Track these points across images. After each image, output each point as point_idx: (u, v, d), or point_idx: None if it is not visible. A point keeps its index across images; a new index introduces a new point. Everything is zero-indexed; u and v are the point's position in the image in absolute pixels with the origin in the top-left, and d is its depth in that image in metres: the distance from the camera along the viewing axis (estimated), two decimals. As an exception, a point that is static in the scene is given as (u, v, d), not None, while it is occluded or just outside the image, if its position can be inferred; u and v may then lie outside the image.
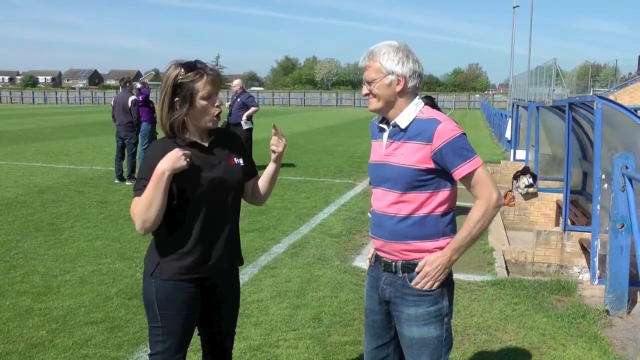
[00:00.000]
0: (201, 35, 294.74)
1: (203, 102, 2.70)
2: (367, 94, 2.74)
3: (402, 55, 2.65)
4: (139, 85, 13.06)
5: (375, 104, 2.72)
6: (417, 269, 2.68)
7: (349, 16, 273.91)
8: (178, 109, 2.68)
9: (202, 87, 2.68)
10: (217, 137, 2.85)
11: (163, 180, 2.61)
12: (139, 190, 2.68)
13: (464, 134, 2.65)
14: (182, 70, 2.67)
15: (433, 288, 2.67)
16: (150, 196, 2.62)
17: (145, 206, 2.62)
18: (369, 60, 2.69)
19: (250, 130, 13.56)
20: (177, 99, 2.68)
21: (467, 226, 2.63)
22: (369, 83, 2.69)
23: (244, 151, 2.98)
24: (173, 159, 2.61)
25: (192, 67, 2.69)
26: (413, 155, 2.62)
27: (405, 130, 2.67)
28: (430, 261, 2.65)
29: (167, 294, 2.77)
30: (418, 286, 2.68)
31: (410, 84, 2.68)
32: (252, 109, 13.53)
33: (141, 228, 2.68)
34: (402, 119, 2.68)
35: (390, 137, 2.73)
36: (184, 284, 2.78)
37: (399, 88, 2.66)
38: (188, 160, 2.65)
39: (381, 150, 2.77)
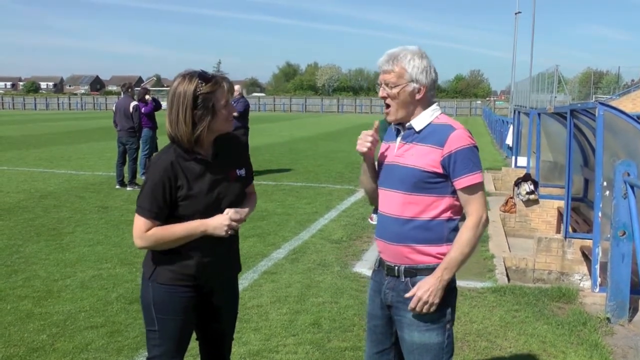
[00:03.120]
0: (202, 41, 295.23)
1: (224, 111, 2.73)
2: (384, 97, 2.73)
3: (427, 65, 2.67)
4: (147, 97, 13.08)
5: (394, 114, 2.72)
6: (408, 294, 2.67)
7: (350, 22, 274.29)
8: (199, 122, 2.68)
9: (222, 96, 2.71)
10: (221, 147, 2.85)
11: (198, 234, 2.71)
12: (148, 211, 2.69)
13: (477, 147, 2.66)
14: (200, 82, 2.66)
15: (431, 311, 2.66)
16: (177, 239, 2.71)
17: (166, 242, 2.71)
18: (392, 64, 2.67)
19: (247, 133, 13.36)
20: (196, 111, 2.66)
21: (458, 245, 2.63)
22: (389, 86, 2.68)
23: (246, 158, 2.99)
24: (217, 226, 2.70)
25: (209, 77, 2.69)
26: (423, 158, 2.63)
27: (419, 132, 2.69)
28: (422, 285, 2.64)
29: (164, 298, 2.78)
30: (416, 310, 2.66)
31: (429, 94, 2.70)
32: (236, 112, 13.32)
33: (142, 248, 2.77)
34: (418, 122, 2.70)
35: (403, 139, 2.75)
36: (181, 288, 2.79)
37: (419, 96, 2.68)
38: (230, 232, 2.72)
39: (393, 151, 2.78)
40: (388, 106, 2.74)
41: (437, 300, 2.63)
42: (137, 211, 2.72)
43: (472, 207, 2.64)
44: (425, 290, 2.63)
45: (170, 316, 2.80)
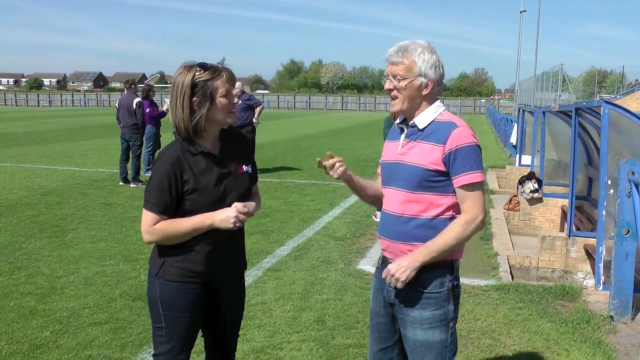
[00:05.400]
0: (206, 39, 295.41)
1: (223, 100, 2.72)
2: (390, 89, 2.70)
3: (436, 60, 2.65)
4: (151, 93, 13.07)
5: (399, 105, 2.69)
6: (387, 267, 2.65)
7: (354, 20, 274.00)
8: (198, 109, 2.69)
9: (221, 85, 2.71)
10: (227, 142, 2.86)
11: (205, 227, 2.71)
12: (155, 205, 2.70)
13: (479, 146, 2.63)
14: (199, 69, 2.68)
15: (398, 286, 2.62)
16: (184, 233, 2.71)
17: (173, 236, 2.72)
18: (401, 57, 2.64)
19: (254, 130, 13.43)
20: (195, 99, 2.68)
21: (445, 235, 2.60)
22: (396, 79, 2.65)
23: (252, 156, 3.00)
24: (224, 218, 2.69)
25: (208, 66, 2.71)
26: (426, 156, 2.62)
27: (422, 130, 2.67)
28: (398, 261, 2.61)
29: (172, 295, 2.78)
30: (387, 279, 2.64)
31: (436, 89, 2.69)
32: (260, 107, 13.44)
33: (150, 243, 2.78)
34: (421, 120, 2.68)
35: (407, 137, 2.73)
36: (188, 285, 2.78)
37: (426, 91, 2.66)
38: (238, 224, 2.72)
39: (396, 150, 2.76)
40: (393, 98, 2.71)
41: (403, 278, 2.57)
42: (144, 205, 2.73)
43: (470, 204, 2.60)
44: (397, 266, 2.59)
45: (178, 313, 2.80)
